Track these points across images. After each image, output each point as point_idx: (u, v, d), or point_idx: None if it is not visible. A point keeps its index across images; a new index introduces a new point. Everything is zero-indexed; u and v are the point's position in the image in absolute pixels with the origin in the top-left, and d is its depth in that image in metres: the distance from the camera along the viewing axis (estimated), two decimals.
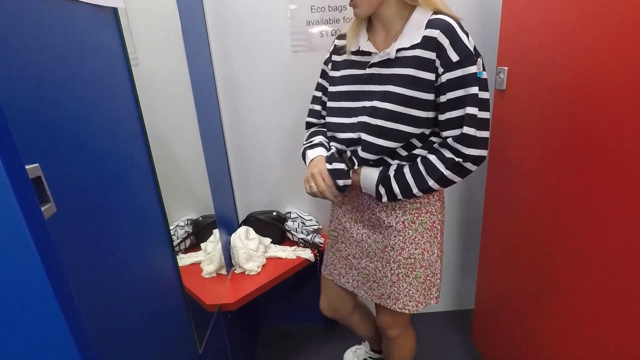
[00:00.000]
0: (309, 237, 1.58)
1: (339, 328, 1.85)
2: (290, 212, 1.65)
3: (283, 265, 1.48)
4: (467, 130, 0.84)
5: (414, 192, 0.92)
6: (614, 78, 0.71)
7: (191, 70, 1.17)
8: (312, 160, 1.04)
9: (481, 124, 0.85)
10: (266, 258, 1.52)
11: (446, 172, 0.89)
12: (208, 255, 1.36)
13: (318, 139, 1.10)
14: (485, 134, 0.86)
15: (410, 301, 1.05)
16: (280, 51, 1.47)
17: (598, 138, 0.77)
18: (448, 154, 0.88)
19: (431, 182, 0.91)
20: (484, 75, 0.84)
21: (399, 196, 0.94)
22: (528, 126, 1.03)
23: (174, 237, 1.15)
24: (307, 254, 1.54)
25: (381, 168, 0.96)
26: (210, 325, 1.16)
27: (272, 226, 1.60)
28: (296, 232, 1.58)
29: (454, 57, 0.82)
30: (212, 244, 1.37)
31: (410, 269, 1.03)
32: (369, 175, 0.96)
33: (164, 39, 1.10)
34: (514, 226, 1.15)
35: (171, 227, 1.14)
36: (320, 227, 1.67)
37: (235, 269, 1.46)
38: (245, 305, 1.36)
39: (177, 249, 1.16)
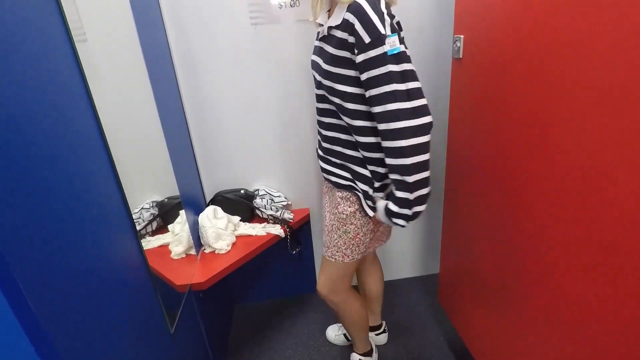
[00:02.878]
0: (278, 214, 1.58)
1: (312, 302, 1.90)
2: (258, 190, 1.65)
3: (253, 242, 1.48)
4: (390, 106, 0.87)
5: (410, 197, 0.93)
6: (568, 43, 0.73)
7: (144, 46, 1.11)
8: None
9: (412, 95, 0.87)
10: (236, 236, 1.52)
11: (408, 161, 0.89)
12: (176, 236, 1.34)
13: None
14: (417, 102, 0.87)
15: (337, 251, 1.15)
16: (239, 23, 1.42)
17: (553, 104, 0.80)
18: (390, 144, 0.91)
19: (409, 179, 0.91)
20: (402, 48, 0.86)
21: (405, 210, 0.95)
22: (485, 93, 1.05)
23: (140, 220, 1.13)
24: (277, 230, 1.55)
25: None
26: (181, 306, 1.16)
27: (241, 204, 1.59)
28: (265, 208, 1.59)
29: (366, 39, 0.86)
30: (180, 225, 1.35)
31: (342, 223, 1.12)
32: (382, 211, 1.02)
33: (113, 12, 1.04)
34: (474, 193, 1.20)
35: (136, 210, 1.12)
36: (289, 202, 1.67)
37: (204, 249, 1.46)
38: (217, 284, 1.37)
39: (143, 231, 1.14)
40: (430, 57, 1.56)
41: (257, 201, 1.60)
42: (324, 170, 1.17)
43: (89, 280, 0.67)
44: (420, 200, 0.94)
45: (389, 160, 0.93)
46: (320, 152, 1.17)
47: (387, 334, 1.62)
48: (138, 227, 1.08)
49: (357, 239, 1.13)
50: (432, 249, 1.98)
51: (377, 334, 1.60)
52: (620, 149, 0.65)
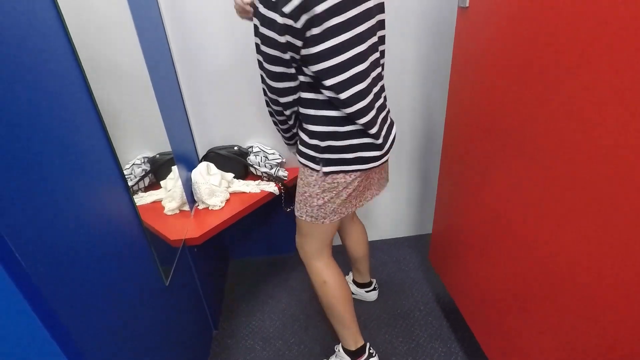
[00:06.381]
0: (272, 171, 1.57)
1: None
2: (252, 147, 1.62)
3: (247, 199, 1.48)
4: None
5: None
6: None
7: None
8: None
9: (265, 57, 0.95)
10: (230, 193, 1.52)
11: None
12: (169, 192, 1.34)
13: None
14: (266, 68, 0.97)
15: (297, 210, 1.21)
16: None
17: (563, 58, 0.77)
18: None
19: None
20: (269, 14, 0.87)
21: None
22: (490, 45, 1.00)
23: (131, 176, 1.12)
24: (272, 187, 1.54)
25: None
26: (175, 259, 1.18)
27: (234, 161, 1.58)
28: (259, 166, 1.57)
29: None
30: (172, 181, 1.34)
31: (299, 182, 1.19)
32: None
33: None
34: (472, 151, 1.19)
35: (127, 166, 1.10)
36: (284, 160, 1.66)
37: (198, 205, 1.46)
38: (212, 240, 1.38)
39: (136, 187, 1.13)
40: (434, 5, 1.48)
41: (251, 158, 1.58)
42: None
43: (80, 233, 0.67)
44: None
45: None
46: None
47: (377, 291, 1.67)
48: (130, 183, 1.07)
49: (306, 201, 1.17)
50: (425, 210, 2.00)
51: (367, 291, 1.64)
52: (631, 101, 0.63)
